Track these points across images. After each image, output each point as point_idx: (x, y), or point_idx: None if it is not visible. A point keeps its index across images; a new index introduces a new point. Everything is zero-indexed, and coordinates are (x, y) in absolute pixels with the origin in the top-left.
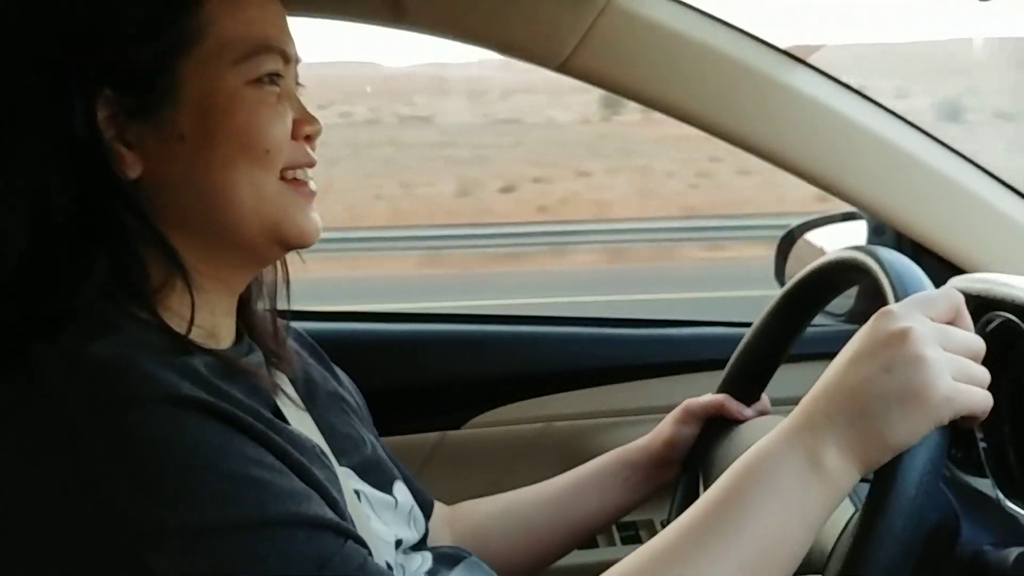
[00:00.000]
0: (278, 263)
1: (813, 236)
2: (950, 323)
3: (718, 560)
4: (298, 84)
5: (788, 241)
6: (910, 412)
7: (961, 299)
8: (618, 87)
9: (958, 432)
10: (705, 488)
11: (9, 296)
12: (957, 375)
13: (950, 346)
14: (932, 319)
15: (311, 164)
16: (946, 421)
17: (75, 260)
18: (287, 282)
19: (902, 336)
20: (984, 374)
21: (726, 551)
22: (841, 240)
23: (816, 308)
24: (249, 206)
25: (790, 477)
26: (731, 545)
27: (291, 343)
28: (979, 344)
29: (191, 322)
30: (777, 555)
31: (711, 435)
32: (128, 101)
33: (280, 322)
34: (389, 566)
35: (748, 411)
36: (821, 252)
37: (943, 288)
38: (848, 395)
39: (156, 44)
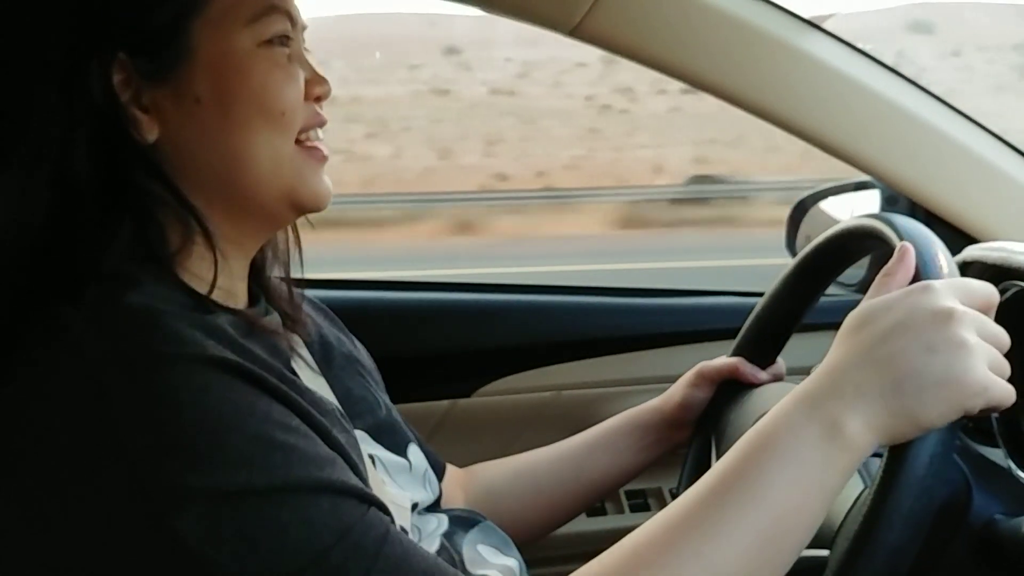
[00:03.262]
0: (289, 229)
1: (826, 206)
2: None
3: (735, 530)
4: (305, 50)
5: (800, 210)
6: (946, 396)
7: (997, 297)
8: (631, 52)
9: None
10: (717, 453)
11: (34, 263)
12: (991, 366)
13: (983, 335)
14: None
15: (323, 124)
16: (976, 411)
17: (98, 226)
18: (299, 248)
19: (947, 316)
20: (1007, 368)
21: (743, 520)
22: (854, 210)
23: (832, 276)
24: (266, 170)
25: (810, 444)
26: (748, 514)
27: (306, 308)
28: (1006, 339)
29: (214, 282)
30: (794, 525)
31: (724, 399)
32: (143, 64)
33: (295, 289)
34: (404, 530)
35: (763, 375)
36: (834, 222)
37: (982, 282)
38: (883, 368)
39: (169, 6)
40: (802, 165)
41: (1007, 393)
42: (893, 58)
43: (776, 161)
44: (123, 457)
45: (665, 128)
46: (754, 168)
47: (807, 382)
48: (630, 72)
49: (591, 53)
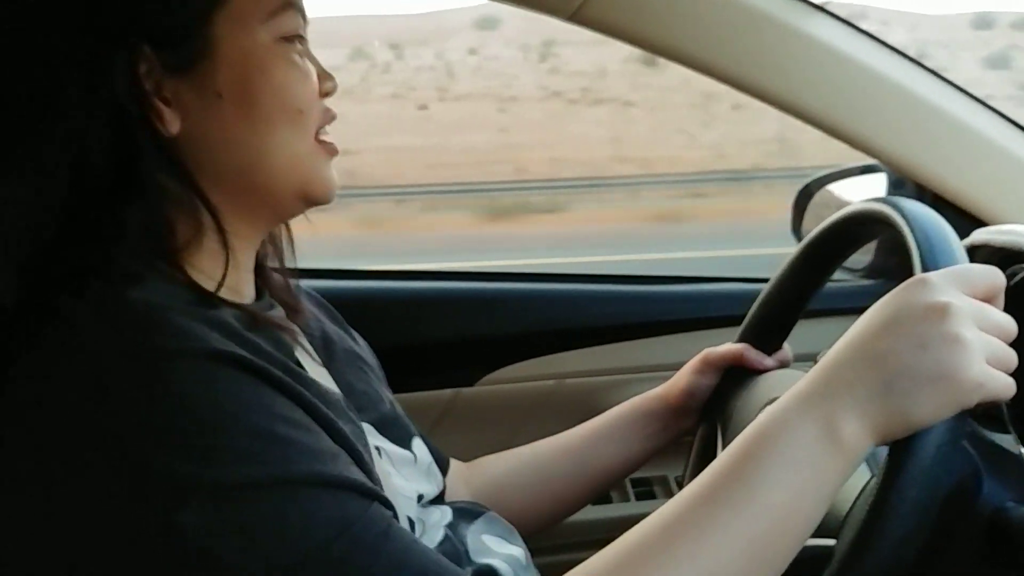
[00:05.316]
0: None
1: (832, 189)
2: (985, 300)
3: (730, 532)
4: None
5: (805, 195)
6: (939, 393)
7: (1003, 280)
8: (631, 37)
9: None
10: (723, 441)
11: (43, 252)
12: (989, 359)
13: (985, 326)
14: (969, 296)
15: (333, 118)
16: (972, 405)
17: (110, 218)
18: (290, 240)
19: (942, 312)
20: (1012, 358)
21: (738, 523)
22: (861, 194)
23: (838, 261)
24: (284, 166)
25: (805, 446)
26: (743, 517)
27: (306, 303)
28: (1012, 327)
29: (223, 278)
30: (790, 526)
31: (730, 385)
32: (166, 58)
33: (292, 280)
34: (411, 521)
35: (769, 361)
36: (841, 205)
37: (985, 266)
38: (874, 365)
39: (192, 1)
40: None
41: (1005, 387)
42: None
43: None
44: (124, 452)
45: None
46: None
47: (803, 380)
48: None
49: None
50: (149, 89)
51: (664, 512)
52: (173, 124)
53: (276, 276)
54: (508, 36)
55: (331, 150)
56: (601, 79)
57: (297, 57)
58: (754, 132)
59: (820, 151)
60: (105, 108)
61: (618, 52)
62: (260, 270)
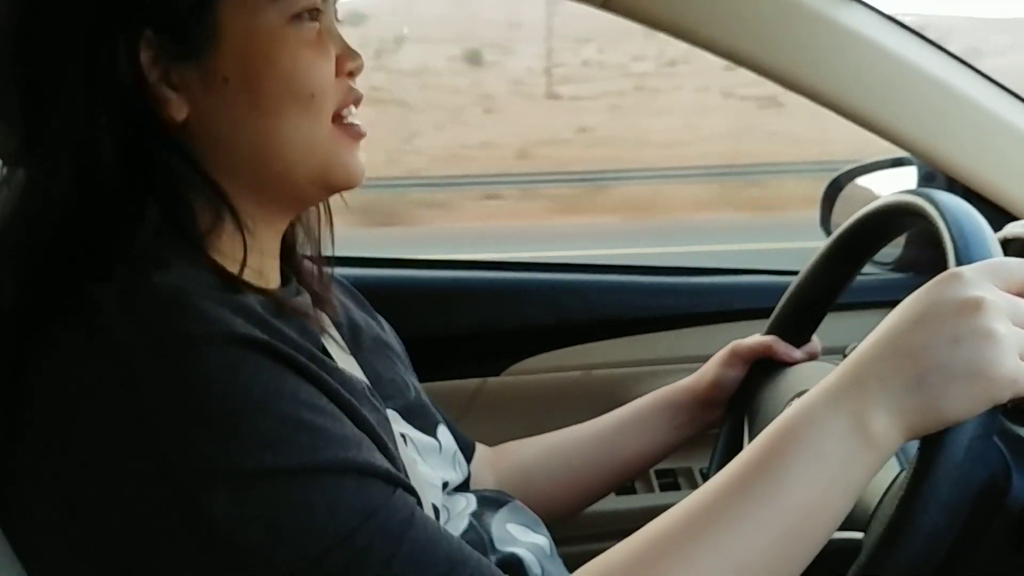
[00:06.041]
0: (321, 207)
1: (862, 182)
2: (1019, 295)
3: (755, 524)
4: (337, 20)
5: (834, 188)
6: (971, 389)
7: None
8: (665, 25)
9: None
10: (750, 433)
11: (61, 241)
12: (1023, 354)
13: (1019, 321)
14: (1003, 290)
15: (359, 100)
16: (1005, 400)
17: (125, 206)
18: (331, 226)
19: (975, 306)
20: None
21: (763, 516)
22: (890, 187)
23: (869, 253)
24: (298, 153)
25: (835, 441)
26: (768, 509)
27: (334, 290)
28: None
29: (243, 262)
30: (816, 520)
31: (758, 377)
32: (170, 42)
33: (325, 269)
34: (436, 508)
35: (797, 353)
36: (871, 198)
37: (1020, 260)
38: (907, 360)
39: None
40: None
41: None
42: None
43: None
44: (151, 438)
45: None
46: None
47: (832, 375)
48: None
49: None
50: (154, 75)
51: (689, 503)
52: (180, 111)
53: (306, 262)
54: (369, 33)
55: (354, 134)
56: (414, 77)
57: (311, 36)
58: (477, 136)
59: (521, 160)
60: (108, 96)
61: (449, 50)
62: (290, 256)
